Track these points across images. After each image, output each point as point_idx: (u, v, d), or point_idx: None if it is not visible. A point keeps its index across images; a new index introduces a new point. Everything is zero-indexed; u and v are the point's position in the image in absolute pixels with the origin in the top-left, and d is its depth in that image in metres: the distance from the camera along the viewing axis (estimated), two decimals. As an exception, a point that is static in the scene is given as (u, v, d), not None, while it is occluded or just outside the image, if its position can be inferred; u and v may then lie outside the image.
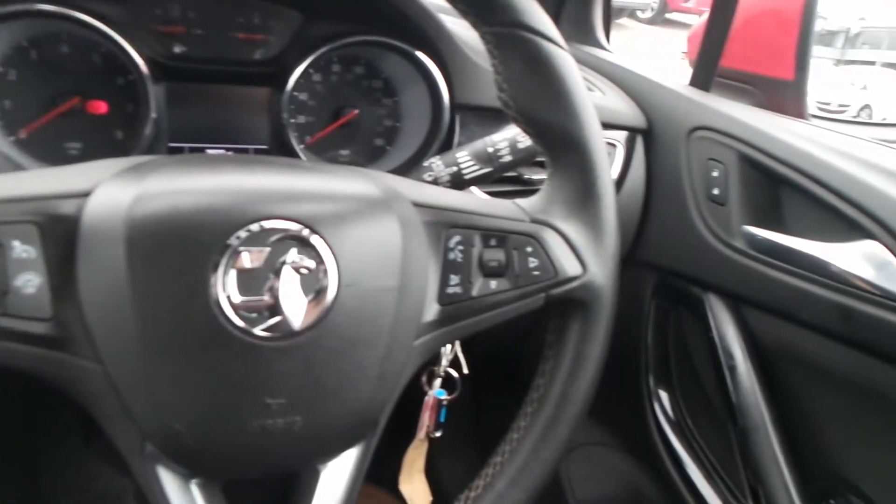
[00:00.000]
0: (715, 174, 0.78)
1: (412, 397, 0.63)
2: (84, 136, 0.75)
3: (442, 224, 0.48)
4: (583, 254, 0.51)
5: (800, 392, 0.77)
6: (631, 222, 0.89)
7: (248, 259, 0.40)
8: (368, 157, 0.86)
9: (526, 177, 0.80)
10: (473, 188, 0.74)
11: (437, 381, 0.69)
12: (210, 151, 0.78)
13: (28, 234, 0.39)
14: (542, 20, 0.48)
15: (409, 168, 0.80)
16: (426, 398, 0.70)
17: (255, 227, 0.40)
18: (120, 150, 0.75)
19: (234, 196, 0.42)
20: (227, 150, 0.79)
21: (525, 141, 0.68)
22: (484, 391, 1.18)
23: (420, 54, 0.78)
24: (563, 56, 0.48)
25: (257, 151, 0.80)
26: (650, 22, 8.63)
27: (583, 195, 0.51)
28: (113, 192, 0.41)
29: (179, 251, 0.40)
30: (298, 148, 0.78)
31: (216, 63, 0.77)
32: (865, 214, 0.64)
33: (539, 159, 0.71)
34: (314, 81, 0.81)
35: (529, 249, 0.49)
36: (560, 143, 0.50)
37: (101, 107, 0.74)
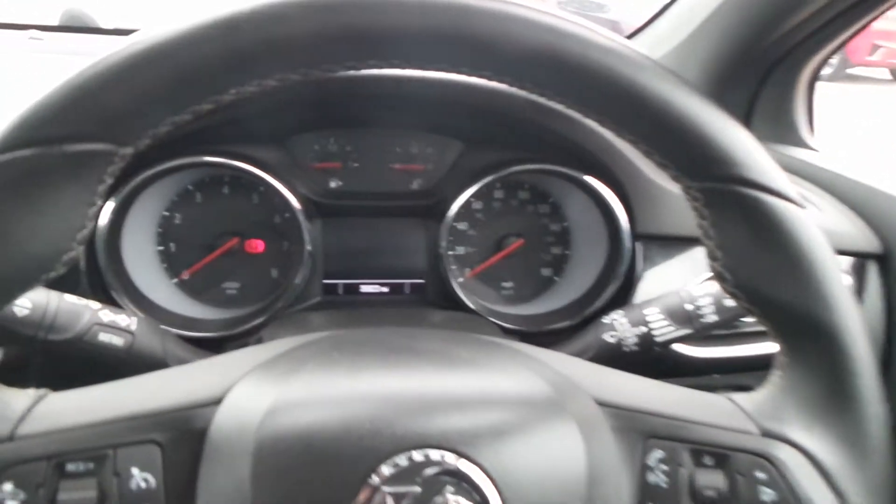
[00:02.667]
0: None
1: None
2: (241, 276, 0.74)
3: (637, 433, 0.37)
4: (839, 482, 0.37)
5: None
6: None
7: (393, 503, 0.32)
8: (534, 289, 0.77)
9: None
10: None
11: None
12: (364, 288, 0.74)
13: (148, 459, 0.34)
14: (767, 171, 0.36)
15: (583, 306, 0.70)
16: None
17: (401, 459, 0.33)
18: (275, 288, 0.73)
19: (377, 412, 0.34)
20: (382, 285, 0.74)
21: None
22: None
23: (590, 178, 0.68)
24: (799, 216, 0.37)
25: (413, 287, 0.74)
26: (830, 79, 7.94)
27: (834, 398, 0.37)
28: (245, 399, 0.36)
29: (312, 485, 0.33)
30: (456, 282, 0.71)
31: (371, 197, 0.73)
32: None
33: None
34: (474, 210, 0.75)
35: (761, 475, 0.37)
36: (799, 328, 0.38)
37: (258, 246, 0.73)
